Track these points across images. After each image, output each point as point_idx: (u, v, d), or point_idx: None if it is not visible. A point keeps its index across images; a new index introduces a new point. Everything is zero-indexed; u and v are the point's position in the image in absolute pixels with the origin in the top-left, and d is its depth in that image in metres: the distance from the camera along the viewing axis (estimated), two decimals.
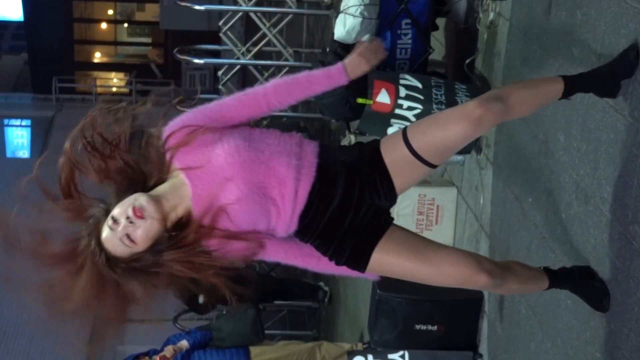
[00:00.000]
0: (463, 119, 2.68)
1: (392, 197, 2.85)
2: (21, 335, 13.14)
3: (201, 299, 8.18)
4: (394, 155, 2.77)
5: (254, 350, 6.56)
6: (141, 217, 2.58)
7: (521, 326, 3.93)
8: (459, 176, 4.97)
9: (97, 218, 2.66)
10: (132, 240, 2.61)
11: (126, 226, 2.59)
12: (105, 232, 2.63)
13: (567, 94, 2.95)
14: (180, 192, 2.66)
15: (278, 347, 6.69)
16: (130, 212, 2.59)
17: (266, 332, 7.08)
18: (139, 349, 6.93)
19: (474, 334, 4.55)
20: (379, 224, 2.82)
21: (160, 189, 2.67)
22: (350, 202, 2.77)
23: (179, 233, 2.66)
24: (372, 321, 4.57)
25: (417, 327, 4.49)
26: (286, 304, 10.08)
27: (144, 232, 2.60)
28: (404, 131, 2.77)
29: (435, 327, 4.50)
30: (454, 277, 2.83)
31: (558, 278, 3.11)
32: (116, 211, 2.62)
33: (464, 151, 4.64)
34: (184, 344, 6.42)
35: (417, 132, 2.76)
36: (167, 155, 2.69)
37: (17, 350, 12.89)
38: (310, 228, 2.75)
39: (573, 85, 2.95)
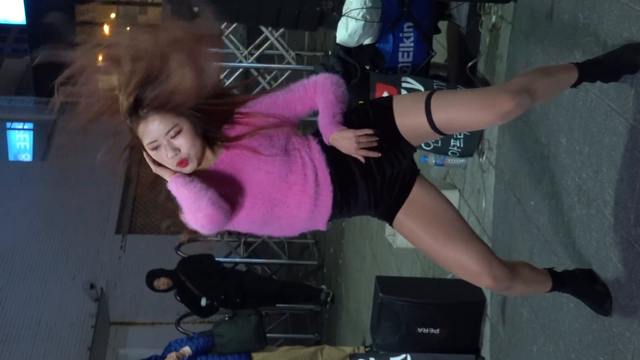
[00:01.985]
0: (492, 109, 2.66)
1: (410, 152, 2.85)
2: (23, 338, 13.15)
3: (203, 302, 8.18)
4: (410, 119, 2.76)
5: (256, 356, 6.57)
6: (180, 165, 2.61)
7: (523, 329, 3.93)
8: (461, 179, 4.97)
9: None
10: (152, 148, 2.61)
11: (167, 148, 2.58)
12: (161, 128, 2.57)
13: (577, 84, 2.97)
14: (208, 157, 2.69)
15: (280, 353, 6.69)
16: (180, 155, 2.59)
17: (268, 335, 7.08)
18: (141, 352, 6.94)
19: (476, 337, 4.54)
20: (403, 183, 2.85)
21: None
22: (371, 174, 2.79)
23: None
24: (375, 324, 4.57)
25: (420, 330, 4.49)
26: (288, 307, 10.08)
27: (162, 159, 2.63)
28: (428, 101, 2.74)
29: (438, 330, 4.49)
30: (462, 270, 2.86)
31: (561, 281, 3.11)
32: (179, 142, 2.59)
33: (466, 154, 4.64)
34: (187, 350, 6.42)
35: (441, 107, 2.72)
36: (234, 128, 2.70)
37: (19, 353, 12.89)
38: (342, 214, 2.82)
39: (584, 75, 2.95)
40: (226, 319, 6.82)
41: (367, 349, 6.71)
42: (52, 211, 15.71)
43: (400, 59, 4.69)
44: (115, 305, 13.86)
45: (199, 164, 2.66)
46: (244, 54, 8.77)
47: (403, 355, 4.48)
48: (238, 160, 2.68)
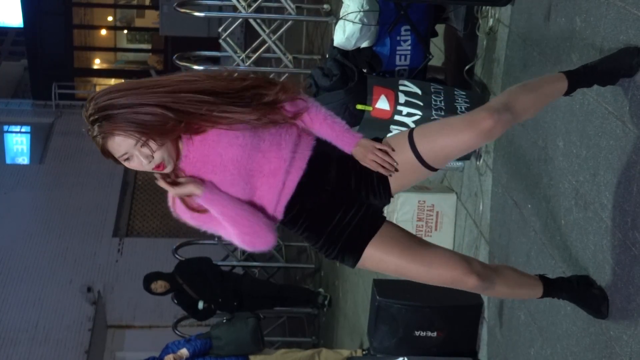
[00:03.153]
0: (473, 129, 2.68)
1: (386, 197, 2.87)
2: (20, 341, 13.14)
3: (201, 305, 8.18)
4: (397, 157, 2.78)
5: (253, 359, 6.57)
6: (152, 169, 2.63)
7: (521, 332, 3.93)
8: (459, 182, 4.97)
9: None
10: (124, 160, 2.63)
11: (138, 157, 2.60)
12: (129, 139, 2.57)
13: (570, 92, 2.96)
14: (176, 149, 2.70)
15: (277, 355, 6.69)
16: (155, 163, 2.61)
17: (266, 338, 7.08)
18: (138, 355, 6.93)
19: (474, 340, 4.54)
20: (372, 221, 2.85)
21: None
22: (342, 197, 2.80)
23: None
24: (372, 327, 4.56)
25: (417, 333, 4.49)
26: (285, 310, 10.08)
27: (136, 167, 2.65)
28: (410, 134, 2.77)
29: (435, 334, 4.49)
30: (444, 277, 2.86)
31: (554, 287, 3.11)
32: (154, 150, 2.59)
33: (464, 157, 4.64)
34: (184, 352, 6.42)
35: (424, 136, 2.75)
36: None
37: (16, 357, 12.88)
38: (297, 221, 2.79)
39: (576, 82, 2.95)
40: (224, 321, 6.81)
41: (364, 352, 6.71)
42: (49, 214, 15.70)
43: (397, 62, 4.69)
44: (112, 309, 13.86)
45: (174, 161, 2.67)
46: (241, 57, 8.76)
47: (400, 359, 4.48)
48: (206, 145, 2.68)
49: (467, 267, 2.85)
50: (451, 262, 2.85)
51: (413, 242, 2.88)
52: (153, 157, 2.61)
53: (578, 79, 2.95)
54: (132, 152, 2.59)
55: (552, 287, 3.11)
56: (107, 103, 2.55)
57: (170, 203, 2.80)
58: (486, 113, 2.69)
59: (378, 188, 2.83)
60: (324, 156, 2.79)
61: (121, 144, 2.58)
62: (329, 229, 2.81)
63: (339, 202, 2.80)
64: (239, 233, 2.72)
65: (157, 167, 2.63)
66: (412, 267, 2.85)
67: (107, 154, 2.62)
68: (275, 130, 2.73)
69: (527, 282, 3.08)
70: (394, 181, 2.83)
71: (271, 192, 2.74)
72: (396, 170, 2.78)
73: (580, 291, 3.11)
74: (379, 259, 2.86)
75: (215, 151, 2.68)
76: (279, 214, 2.79)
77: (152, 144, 2.59)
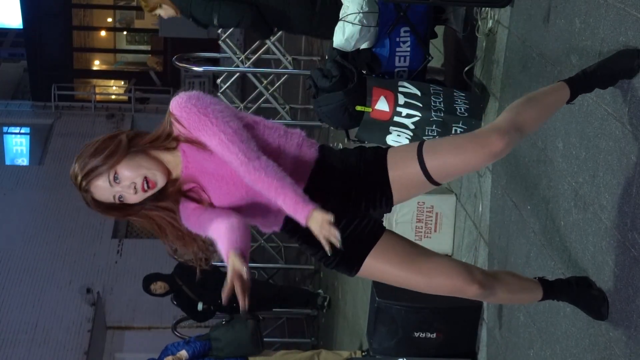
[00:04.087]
0: (484, 151, 2.69)
1: (388, 209, 2.87)
2: (20, 342, 13.14)
3: (200, 306, 8.17)
4: (403, 171, 2.78)
5: None
6: (146, 190, 2.64)
7: (520, 334, 3.93)
8: (458, 184, 4.97)
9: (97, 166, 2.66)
10: (121, 201, 2.67)
11: (126, 189, 2.64)
12: (101, 182, 2.64)
13: (572, 99, 2.97)
14: (176, 163, 2.71)
15: (277, 357, 6.69)
16: (139, 184, 2.63)
17: (265, 339, 7.08)
18: (137, 356, 6.93)
19: (473, 342, 4.54)
20: (372, 231, 2.86)
21: (161, 156, 2.70)
22: (342, 209, 2.79)
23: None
24: (371, 329, 4.56)
25: (416, 334, 4.49)
26: (285, 311, 10.07)
27: (137, 199, 2.67)
28: (420, 150, 2.76)
29: (434, 335, 4.49)
30: (445, 287, 2.87)
31: (554, 289, 3.11)
32: (124, 173, 2.62)
33: None
34: (183, 354, 6.41)
35: (433, 154, 2.74)
36: (176, 130, 2.69)
37: (15, 358, 12.88)
38: (297, 231, 2.78)
39: (578, 89, 2.95)
40: (223, 323, 6.81)
41: (363, 354, 6.70)
42: (48, 216, 15.71)
43: (396, 64, 4.69)
44: (111, 310, 13.85)
45: (167, 172, 2.69)
46: (240, 59, 8.76)
47: None
48: (200, 158, 2.69)
49: (468, 276, 2.86)
50: (452, 272, 2.85)
51: (413, 252, 2.88)
52: (135, 182, 2.63)
53: (579, 85, 2.95)
54: (116, 190, 2.64)
55: (552, 290, 3.11)
56: (82, 166, 2.65)
57: (184, 221, 2.79)
58: (497, 136, 2.69)
59: (380, 202, 2.82)
60: (326, 169, 2.78)
61: (103, 189, 2.64)
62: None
63: (339, 214, 2.76)
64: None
65: (145, 186, 2.64)
66: (412, 278, 2.86)
67: (103, 208, 2.69)
68: (274, 138, 2.74)
69: (527, 287, 3.08)
70: (397, 194, 2.82)
71: (270, 203, 2.72)
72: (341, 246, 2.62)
73: (579, 293, 3.11)
74: (379, 269, 2.87)
75: (210, 167, 2.69)
76: (278, 224, 2.80)
77: (120, 169, 2.62)
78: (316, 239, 2.58)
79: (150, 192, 2.68)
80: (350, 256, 2.85)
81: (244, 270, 2.45)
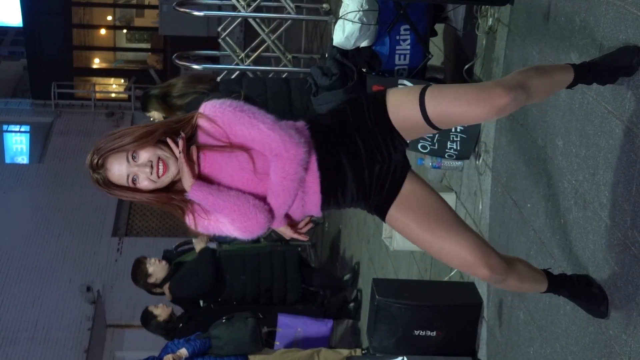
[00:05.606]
0: (487, 103, 2.66)
1: (404, 146, 2.86)
2: (20, 341, 13.14)
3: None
4: (404, 114, 2.77)
5: (253, 358, 6.56)
6: (159, 175, 2.67)
7: (520, 332, 3.93)
8: (458, 182, 4.97)
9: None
10: (134, 183, 2.68)
11: (142, 168, 2.66)
12: (119, 158, 2.66)
13: (573, 85, 2.98)
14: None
15: (277, 355, 6.69)
16: (154, 163, 2.66)
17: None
18: (137, 355, 6.93)
19: (473, 340, 4.54)
20: (394, 178, 2.86)
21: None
22: (362, 170, 2.81)
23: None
24: (371, 327, 4.56)
25: (416, 332, 4.48)
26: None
27: (148, 186, 2.69)
28: (422, 95, 2.74)
29: (434, 333, 4.48)
30: (457, 260, 2.88)
31: (556, 283, 3.12)
32: (143, 153, 2.66)
33: (463, 157, 4.65)
34: (183, 352, 6.41)
35: (435, 100, 2.72)
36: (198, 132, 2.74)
37: (15, 356, 12.88)
38: (330, 202, 2.84)
39: (580, 77, 2.96)
40: (223, 321, 6.80)
41: (363, 352, 6.71)
42: (48, 214, 15.70)
43: (396, 62, 4.69)
44: (111, 308, 13.85)
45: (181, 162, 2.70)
46: (240, 57, 8.76)
47: (400, 358, 4.47)
48: (218, 163, 2.72)
49: (483, 258, 2.84)
50: (469, 249, 2.84)
51: (441, 215, 2.88)
52: (152, 161, 2.66)
53: (582, 73, 2.96)
54: (132, 170, 2.66)
55: (555, 283, 3.12)
56: (99, 146, 2.69)
57: (188, 222, 2.81)
58: (502, 90, 2.66)
59: (392, 144, 2.82)
60: (330, 147, 2.78)
61: (119, 168, 2.66)
62: (367, 200, 2.86)
63: (362, 177, 2.81)
64: (230, 221, 2.73)
65: (159, 170, 2.67)
66: (429, 240, 2.86)
67: (110, 186, 2.70)
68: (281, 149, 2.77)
69: (536, 277, 3.10)
70: (403, 134, 2.82)
71: (291, 210, 2.80)
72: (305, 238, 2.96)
73: (579, 290, 3.12)
74: (403, 223, 2.88)
75: (226, 172, 2.71)
76: (316, 211, 2.85)
77: (139, 149, 2.65)
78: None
79: (160, 182, 2.69)
80: (378, 205, 2.88)
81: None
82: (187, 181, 2.67)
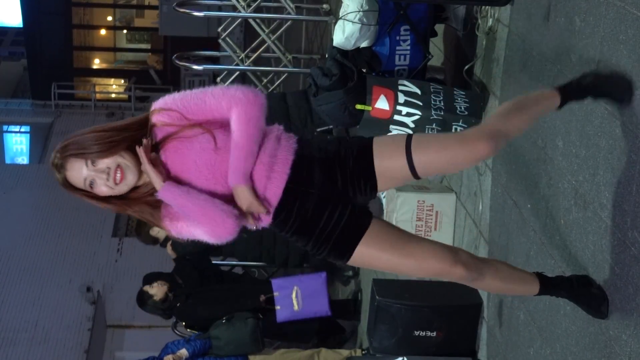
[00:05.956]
0: (470, 154, 2.77)
1: (372, 195, 2.90)
2: (20, 341, 13.13)
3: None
4: (389, 162, 2.82)
5: (253, 359, 6.56)
6: (116, 182, 2.71)
7: (520, 332, 3.93)
8: (458, 182, 4.97)
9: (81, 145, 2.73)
10: (90, 186, 2.73)
11: (99, 174, 2.70)
12: (79, 161, 2.70)
13: (562, 106, 3.03)
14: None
15: (277, 355, 6.69)
16: (112, 170, 2.70)
17: (265, 338, 7.07)
18: (138, 355, 6.92)
19: (473, 340, 4.54)
20: (360, 218, 2.88)
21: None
22: (328, 198, 2.82)
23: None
24: (371, 327, 4.56)
25: (416, 333, 4.48)
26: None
27: (105, 192, 2.74)
28: (408, 145, 2.80)
29: (435, 333, 4.48)
30: (432, 270, 2.91)
31: (553, 285, 3.12)
32: (104, 159, 2.70)
33: None
34: (184, 352, 6.41)
35: (421, 150, 2.79)
36: (154, 132, 2.77)
37: (15, 357, 12.87)
38: (285, 224, 2.83)
39: (569, 99, 3.02)
40: (223, 321, 6.80)
41: (363, 352, 6.70)
42: (48, 214, 15.70)
43: (396, 62, 4.70)
44: (112, 308, 13.84)
45: (139, 171, 2.74)
46: (240, 57, 8.76)
47: (400, 358, 4.47)
48: (180, 153, 2.74)
49: (452, 258, 2.90)
50: (438, 254, 2.89)
51: (401, 238, 2.92)
52: (110, 168, 2.70)
53: (571, 94, 3.03)
54: (90, 174, 2.70)
55: (551, 285, 3.12)
56: (63, 145, 2.74)
57: (166, 226, 2.84)
58: (484, 141, 2.76)
59: (366, 189, 2.85)
60: (307, 158, 2.80)
61: (78, 171, 2.71)
62: (317, 229, 2.84)
63: (325, 203, 2.82)
64: (199, 225, 2.75)
65: (117, 178, 2.71)
66: (403, 262, 2.89)
67: (70, 187, 2.75)
68: None
69: (521, 278, 3.10)
70: (381, 182, 2.86)
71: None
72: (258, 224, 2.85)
73: (579, 290, 3.12)
74: (371, 255, 2.90)
75: (190, 159, 2.73)
76: (266, 219, 2.82)
77: (100, 158, 2.69)
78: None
79: (118, 189, 2.73)
80: (340, 244, 2.88)
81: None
82: (157, 185, 2.71)
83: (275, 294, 7.09)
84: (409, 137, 2.83)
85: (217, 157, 2.73)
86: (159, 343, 7.27)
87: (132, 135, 2.75)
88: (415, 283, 4.56)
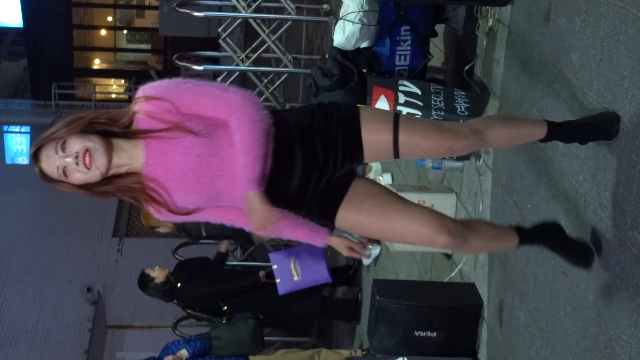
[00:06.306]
0: (446, 144, 2.84)
1: (357, 162, 2.90)
2: (20, 342, 13.13)
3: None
4: (375, 136, 2.83)
5: (253, 359, 6.56)
6: (87, 167, 2.66)
7: (520, 332, 3.93)
8: (458, 182, 4.97)
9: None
10: (65, 175, 2.69)
11: (69, 162, 2.67)
12: (49, 150, 2.68)
13: (546, 140, 3.08)
14: (134, 155, 2.72)
15: (277, 356, 6.69)
16: (81, 154, 2.65)
17: (265, 338, 7.07)
18: (138, 355, 6.92)
19: (474, 341, 4.54)
20: (341, 182, 2.89)
21: (118, 144, 2.72)
22: (311, 173, 2.82)
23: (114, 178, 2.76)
24: (372, 327, 4.56)
25: (417, 333, 4.48)
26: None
27: (79, 179, 2.70)
28: (396, 122, 2.82)
29: (435, 334, 4.48)
30: (416, 236, 2.91)
31: (530, 235, 3.16)
32: (72, 144, 2.66)
33: (463, 157, 4.65)
34: (184, 353, 6.41)
35: (409, 130, 2.83)
36: (136, 119, 2.73)
37: (15, 357, 12.88)
38: (275, 205, 2.80)
39: (555, 135, 3.07)
40: (223, 322, 6.81)
41: (364, 352, 6.71)
42: (48, 214, 15.69)
43: (397, 62, 4.69)
44: (112, 309, 13.85)
45: (110, 159, 2.69)
46: (240, 57, 8.76)
47: (400, 359, 4.47)
48: (163, 152, 2.71)
49: (438, 225, 2.89)
50: (424, 220, 2.89)
51: (387, 202, 2.91)
52: (79, 152, 2.65)
53: (559, 134, 3.07)
54: (61, 161, 2.67)
55: (528, 236, 3.16)
56: (39, 137, 2.72)
57: (152, 211, 2.84)
58: (462, 137, 2.85)
59: (351, 159, 2.85)
60: (287, 139, 2.79)
61: (49, 159, 2.68)
62: (305, 201, 2.86)
63: (309, 177, 2.82)
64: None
65: (85, 160, 2.66)
66: (385, 226, 2.89)
67: (48, 179, 2.72)
68: (228, 138, 2.74)
69: (500, 234, 3.14)
70: (366, 154, 2.86)
71: (237, 193, 2.74)
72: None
73: (556, 238, 3.16)
74: (353, 220, 2.91)
75: (173, 160, 2.71)
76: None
77: (68, 136, 2.66)
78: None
79: (91, 175, 2.68)
80: (325, 210, 2.90)
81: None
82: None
83: (274, 267, 7.11)
84: (397, 115, 2.86)
85: (202, 162, 2.70)
86: (159, 343, 7.27)
87: (104, 123, 2.71)
88: (416, 283, 4.57)
